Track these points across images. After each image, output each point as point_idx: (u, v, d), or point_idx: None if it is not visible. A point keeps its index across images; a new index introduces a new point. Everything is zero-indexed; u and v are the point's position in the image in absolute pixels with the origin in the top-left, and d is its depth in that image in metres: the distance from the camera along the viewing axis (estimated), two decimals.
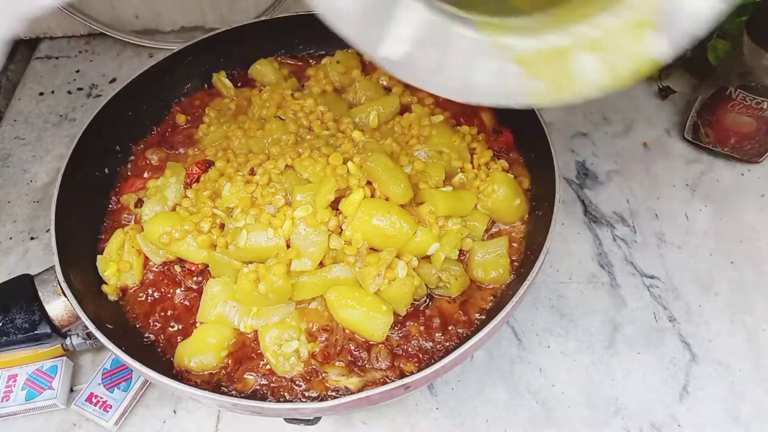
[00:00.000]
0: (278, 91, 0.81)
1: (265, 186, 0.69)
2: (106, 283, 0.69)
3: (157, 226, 0.68)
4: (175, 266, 0.70)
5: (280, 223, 0.65)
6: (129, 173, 0.80)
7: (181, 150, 0.80)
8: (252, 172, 0.71)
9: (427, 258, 0.67)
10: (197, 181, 0.73)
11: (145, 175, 0.79)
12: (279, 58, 0.89)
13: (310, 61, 0.90)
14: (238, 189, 0.69)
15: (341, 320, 0.65)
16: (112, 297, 0.69)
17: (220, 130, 0.79)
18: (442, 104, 0.83)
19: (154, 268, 0.70)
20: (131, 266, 0.69)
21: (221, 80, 0.86)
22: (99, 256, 0.70)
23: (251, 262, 0.65)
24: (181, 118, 0.83)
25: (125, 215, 0.75)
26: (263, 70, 0.86)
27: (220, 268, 0.67)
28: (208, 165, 0.75)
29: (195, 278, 0.69)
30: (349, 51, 0.88)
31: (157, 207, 0.72)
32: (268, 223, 0.65)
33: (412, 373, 0.58)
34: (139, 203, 0.75)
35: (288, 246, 0.65)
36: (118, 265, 0.69)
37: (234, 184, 0.70)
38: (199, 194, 0.71)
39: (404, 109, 0.80)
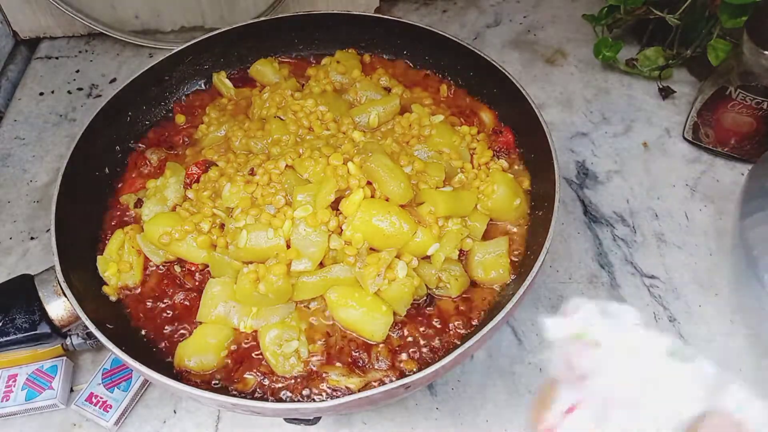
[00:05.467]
0: (278, 91, 0.81)
1: (266, 186, 0.69)
2: (106, 284, 0.69)
3: (157, 226, 0.68)
4: (175, 266, 0.70)
5: (281, 223, 0.65)
6: (129, 173, 0.79)
7: (181, 150, 0.80)
8: (252, 173, 0.71)
9: (427, 258, 0.67)
10: (197, 181, 0.73)
11: (146, 173, 0.78)
12: (279, 58, 0.89)
13: (311, 61, 0.90)
14: (238, 189, 0.69)
15: (341, 321, 0.65)
16: (113, 297, 0.69)
17: (219, 131, 0.79)
18: (443, 103, 0.83)
19: (154, 269, 0.70)
20: (131, 266, 0.69)
21: (221, 80, 0.86)
22: (99, 257, 0.70)
23: (251, 263, 0.65)
24: (180, 119, 0.83)
25: (125, 215, 0.75)
26: (263, 70, 0.86)
27: (220, 268, 0.67)
28: (208, 165, 0.75)
29: (195, 278, 0.69)
30: (349, 51, 0.88)
31: (157, 207, 0.72)
32: (269, 224, 0.65)
33: (412, 373, 0.58)
34: (139, 203, 0.75)
35: (288, 246, 0.65)
36: (119, 265, 0.69)
37: (234, 185, 0.70)
38: (199, 194, 0.71)
39: (404, 110, 0.80)
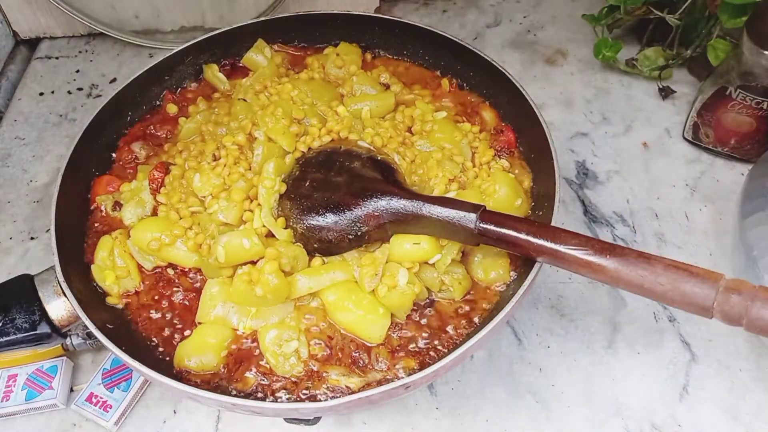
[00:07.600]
0: (261, 79, 0.80)
1: (233, 166, 0.69)
2: (109, 294, 0.68)
3: (144, 232, 0.67)
4: (168, 269, 0.69)
5: (251, 216, 0.65)
6: (111, 171, 0.78)
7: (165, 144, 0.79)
8: (215, 158, 0.71)
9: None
10: (163, 184, 0.72)
11: (123, 174, 0.77)
12: (274, 47, 0.87)
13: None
14: (208, 177, 0.69)
15: (339, 323, 0.64)
16: (119, 305, 0.68)
17: (195, 123, 0.78)
18: (444, 100, 0.83)
19: (148, 272, 0.70)
20: (129, 272, 0.68)
21: (214, 74, 0.84)
22: (93, 266, 0.69)
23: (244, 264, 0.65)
24: (172, 108, 0.82)
25: (104, 218, 0.73)
26: (255, 58, 0.84)
27: (212, 270, 0.66)
28: (167, 166, 0.73)
29: (190, 279, 0.69)
30: (352, 44, 0.87)
31: (138, 210, 0.71)
32: (241, 218, 0.66)
33: (412, 373, 0.58)
34: (117, 206, 0.73)
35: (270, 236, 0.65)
36: (115, 272, 0.68)
37: (203, 174, 0.69)
38: (170, 197, 0.70)
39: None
